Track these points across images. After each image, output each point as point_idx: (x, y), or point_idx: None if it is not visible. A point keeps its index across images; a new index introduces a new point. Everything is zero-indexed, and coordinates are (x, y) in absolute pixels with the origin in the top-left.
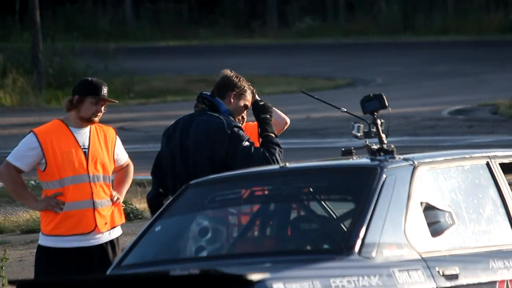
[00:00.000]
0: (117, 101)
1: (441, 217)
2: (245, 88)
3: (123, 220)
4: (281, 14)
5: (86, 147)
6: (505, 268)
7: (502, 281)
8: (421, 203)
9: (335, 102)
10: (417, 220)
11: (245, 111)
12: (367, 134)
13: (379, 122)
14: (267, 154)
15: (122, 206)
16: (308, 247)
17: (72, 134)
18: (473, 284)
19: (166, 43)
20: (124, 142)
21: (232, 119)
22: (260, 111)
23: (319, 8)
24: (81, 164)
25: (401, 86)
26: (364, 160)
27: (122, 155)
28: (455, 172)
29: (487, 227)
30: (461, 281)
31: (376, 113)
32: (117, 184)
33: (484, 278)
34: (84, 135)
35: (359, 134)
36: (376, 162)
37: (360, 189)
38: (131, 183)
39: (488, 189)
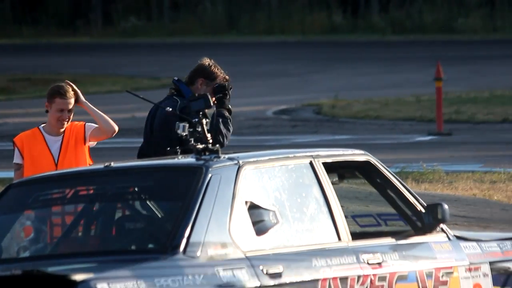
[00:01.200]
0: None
1: (265, 216)
2: (216, 75)
3: None
4: (105, 13)
5: (57, 155)
6: (327, 267)
7: (324, 279)
8: (246, 202)
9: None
10: (241, 219)
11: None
12: (192, 134)
13: (204, 121)
14: (220, 128)
15: None
16: (133, 247)
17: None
18: (296, 283)
19: None
20: None
21: (181, 100)
22: (216, 91)
23: (144, 7)
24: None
25: None
26: (189, 160)
27: (95, 128)
28: (279, 171)
29: (311, 226)
30: (285, 279)
31: (201, 113)
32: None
33: (307, 276)
34: (45, 139)
35: (184, 134)
36: (201, 162)
37: (185, 188)
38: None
39: (311, 188)
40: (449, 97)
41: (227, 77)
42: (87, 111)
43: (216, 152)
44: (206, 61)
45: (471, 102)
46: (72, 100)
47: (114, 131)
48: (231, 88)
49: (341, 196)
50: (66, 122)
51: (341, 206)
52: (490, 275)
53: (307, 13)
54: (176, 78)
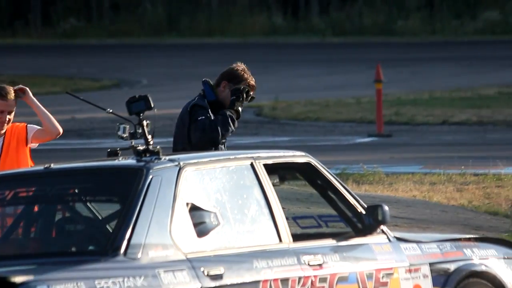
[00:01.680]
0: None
1: (206, 217)
2: (241, 79)
3: None
4: (45, 14)
5: None
6: (268, 268)
7: (265, 281)
8: (187, 204)
9: (100, 103)
10: (183, 221)
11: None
12: (133, 135)
13: (145, 123)
14: (217, 125)
15: None
16: (73, 249)
17: None
18: (237, 284)
19: None
20: None
21: (199, 99)
22: (232, 94)
23: (83, 8)
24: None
25: (166, 87)
26: (130, 161)
27: (38, 130)
28: (220, 172)
29: (252, 227)
30: (226, 281)
31: (141, 114)
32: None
33: (248, 278)
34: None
35: (124, 135)
36: (141, 163)
37: (125, 190)
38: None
39: (252, 190)
40: (389, 99)
41: (252, 82)
42: (34, 110)
43: (157, 153)
44: (238, 65)
45: (411, 104)
46: (13, 102)
47: (59, 133)
48: (248, 92)
49: (282, 198)
50: (6, 124)
51: (283, 208)
52: (430, 276)
53: (247, 14)
54: (204, 80)
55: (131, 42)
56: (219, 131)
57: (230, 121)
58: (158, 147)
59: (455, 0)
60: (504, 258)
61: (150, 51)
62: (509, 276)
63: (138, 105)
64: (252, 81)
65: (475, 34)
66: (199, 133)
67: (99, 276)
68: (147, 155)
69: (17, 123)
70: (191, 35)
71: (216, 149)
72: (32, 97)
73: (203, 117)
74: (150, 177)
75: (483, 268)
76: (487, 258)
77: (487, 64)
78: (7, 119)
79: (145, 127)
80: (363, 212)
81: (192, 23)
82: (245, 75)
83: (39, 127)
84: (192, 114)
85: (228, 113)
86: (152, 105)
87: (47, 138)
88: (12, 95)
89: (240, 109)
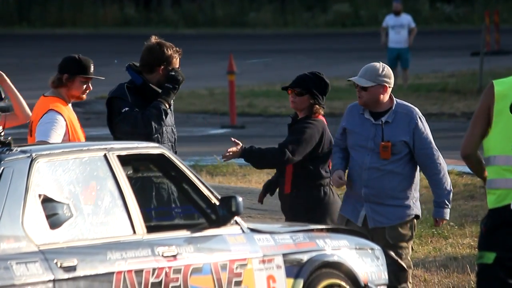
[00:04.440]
0: (103, 78)
1: (59, 209)
2: (171, 56)
3: None
4: None
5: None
6: (122, 260)
7: (119, 272)
8: (40, 195)
9: None
10: (35, 212)
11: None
12: None
13: None
14: (150, 119)
15: None
16: None
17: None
18: (91, 276)
19: None
20: None
21: (116, 89)
22: (167, 80)
23: None
24: (81, 138)
25: (18, 78)
26: None
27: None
28: (73, 164)
29: (105, 219)
30: (79, 272)
31: None
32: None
33: (101, 269)
34: (71, 110)
35: None
36: None
37: None
38: None
39: (106, 181)
40: (242, 90)
41: (180, 50)
42: (9, 95)
43: (9, 144)
44: (155, 43)
45: (263, 96)
46: None
47: (29, 116)
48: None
49: (140, 189)
50: None
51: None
52: (283, 267)
53: (100, 5)
54: (129, 64)
55: None
56: (153, 126)
57: (163, 115)
58: (9, 138)
59: None
60: (356, 248)
61: (0, 41)
62: (361, 266)
63: None
64: (178, 50)
65: (326, 27)
66: (129, 127)
67: None
68: None
69: None
70: (42, 26)
71: None
72: (8, 81)
73: (127, 109)
74: (1, 168)
75: (335, 258)
76: (339, 249)
77: (337, 56)
78: (91, 88)
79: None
80: (217, 203)
81: (43, 13)
82: (170, 51)
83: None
84: (113, 107)
85: (162, 106)
86: (3, 96)
87: (14, 123)
88: (93, 67)
89: (172, 101)
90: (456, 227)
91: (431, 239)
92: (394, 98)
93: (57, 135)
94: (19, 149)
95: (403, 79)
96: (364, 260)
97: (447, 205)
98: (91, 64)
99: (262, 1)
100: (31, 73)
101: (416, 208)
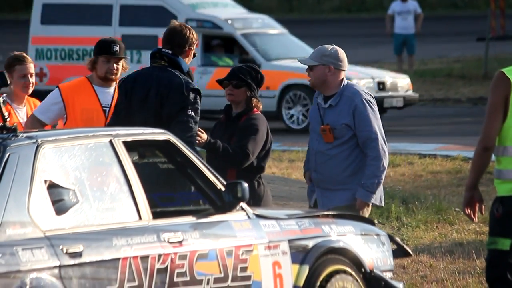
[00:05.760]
0: (127, 57)
1: (65, 195)
2: (196, 38)
3: None
4: None
5: (108, 105)
6: (128, 246)
7: (125, 258)
8: (45, 181)
9: None
10: (41, 198)
11: None
12: None
13: (1, 99)
14: (183, 133)
15: None
16: None
17: (94, 92)
18: (97, 262)
19: None
20: None
21: (190, 81)
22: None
23: None
24: (100, 122)
25: None
26: None
27: None
28: (79, 150)
29: (111, 205)
30: (85, 258)
31: None
32: None
33: (107, 255)
34: (107, 93)
35: None
36: None
37: None
38: None
39: (111, 167)
40: None
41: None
42: None
43: (14, 130)
44: (181, 26)
45: None
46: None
47: None
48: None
49: (145, 175)
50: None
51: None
52: (289, 253)
53: None
54: (165, 50)
55: None
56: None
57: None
58: (15, 123)
59: None
60: (362, 234)
61: (6, 27)
62: (367, 252)
63: None
64: (195, 35)
65: (332, 12)
66: (186, 135)
67: None
68: (4, 132)
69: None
70: None
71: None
72: None
73: (191, 113)
74: (7, 154)
75: (341, 244)
76: (345, 235)
77: (344, 42)
78: (115, 68)
79: (1, 104)
80: (223, 189)
81: None
82: (194, 33)
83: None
84: (187, 100)
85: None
86: (9, 82)
87: None
88: (118, 47)
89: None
90: (461, 213)
91: (437, 224)
92: (347, 81)
93: (46, 110)
94: (24, 135)
95: (409, 65)
96: (370, 246)
97: (370, 189)
98: (113, 45)
99: None
100: None
101: None
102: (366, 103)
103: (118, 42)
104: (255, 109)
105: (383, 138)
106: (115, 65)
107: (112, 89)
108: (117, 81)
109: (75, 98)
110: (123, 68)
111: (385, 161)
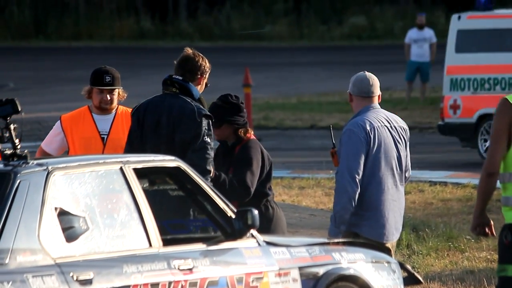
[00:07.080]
0: (121, 87)
1: (75, 222)
2: (208, 67)
3: None
4: None
5: (105, 132)
6: (138, 273)
7: (135, 286)
8: (56, 208)
9: None
10: (51, 225)
11: None
12: (0, 139)
13: (12, 127)
14: (202, 161)
15: None
16: None
17: (93, 120)
18: None
19: None
20: None
21: (202, 107)
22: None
23: None
24: (98, 149)
25: (34, 91)
26: None
27: None
28: (89, 177)
29: (121, 232)
30: (95, 286)
31: (9, 118)
32: None
33: (117, 283)
34: (106, 121)
35: None
36: (9, 167)
37: None
38: None
39: (122, 194)
40: (258, 103)
41: (208, 65)
42: None
43: (25, 157)
44: (193, 54)
45: (279, 108)
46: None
47: None
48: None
49: (155, 202)
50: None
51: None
52: (299, 280)
53: (116, 18)
54: (177, 77)
55: None
56: (202, 166)
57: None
58: (26, 151)
59: (322, 5)
60: (372, 261)
61: (17, 54)
62: (377, 279)
63: (5, 109)
64: (208, 64)
65: (342, 40)
66: (201, 165)
67: None
68: (15, 159)
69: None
70: (58, 38)
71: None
72: None
73: (207, 139)
74: (18, 181)
75: (351, 272)
76: (355, 262)
77: (353, 69)
78: (109, 98)
79: (12, 131)
80: (233, 216)
81: (59, 26)
82: (207, 62)
83: None
84: (200, 127)
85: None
86: (20, 109)
87: None
88: (110, 78)
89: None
90: (472, 240)
91: (448, 252)
92: (361, 110)
93: (50, 142)
94: (35, 162)
95: (421, 92)
96: (381, 273)
97: (332, 222)
98: (105, 75)
99: (278, 14)
100: (47, 86)
101: (358, 225)
102: (347, 134)
103: (111, 72)
104: (247, 135)
105: (355, 170)
106: (108, 96)
107: (111, 115)
108: (116, 108)
109: (73, 128)
110: (120, 96)
111: (348, 195)
